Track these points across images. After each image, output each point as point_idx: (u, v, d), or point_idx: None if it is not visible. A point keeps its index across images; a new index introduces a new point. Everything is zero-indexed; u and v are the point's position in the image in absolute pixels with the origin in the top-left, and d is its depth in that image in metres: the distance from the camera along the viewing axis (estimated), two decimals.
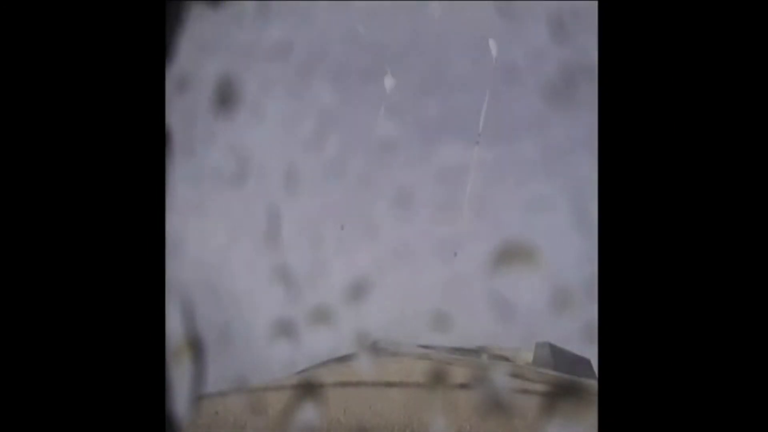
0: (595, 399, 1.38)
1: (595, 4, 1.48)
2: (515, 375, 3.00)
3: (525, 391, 2.84)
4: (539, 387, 2.84)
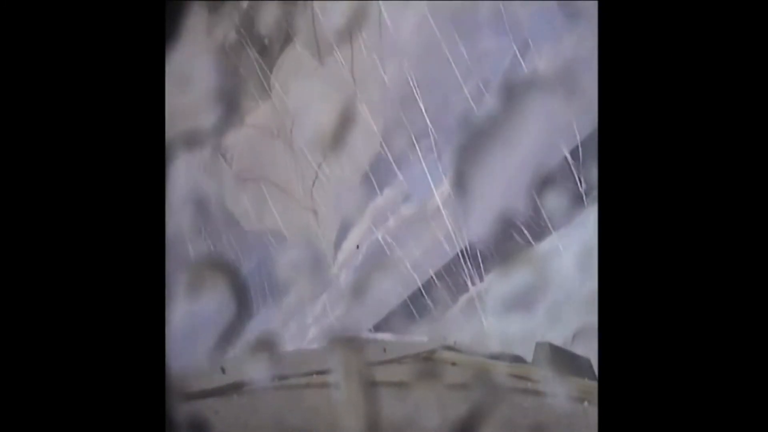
0: None
1: (595, 4, 1.48)
2: (515, 375, 3.00)
3: (525, 391, 2.84)
4: (539, 387, 2.84)
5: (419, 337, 3.84)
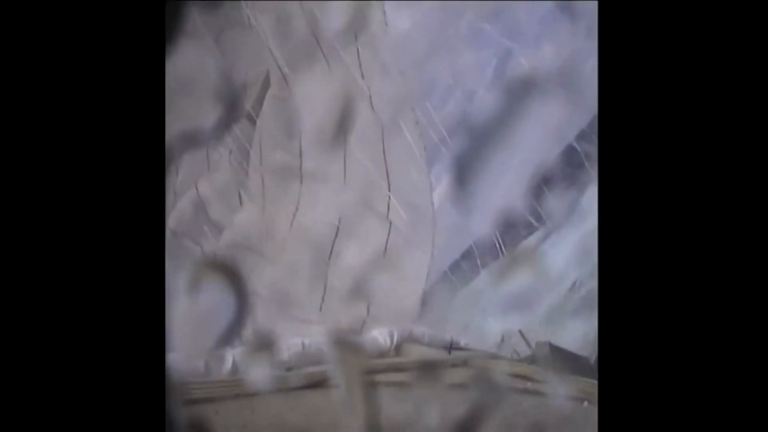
0: None
1: (595, 4, 1.48)
2: (515, 375, 3.01)
3: (525, 391, 2.84)
4: (539, 387, 2.84)
5: (421, 334, 3.85)
